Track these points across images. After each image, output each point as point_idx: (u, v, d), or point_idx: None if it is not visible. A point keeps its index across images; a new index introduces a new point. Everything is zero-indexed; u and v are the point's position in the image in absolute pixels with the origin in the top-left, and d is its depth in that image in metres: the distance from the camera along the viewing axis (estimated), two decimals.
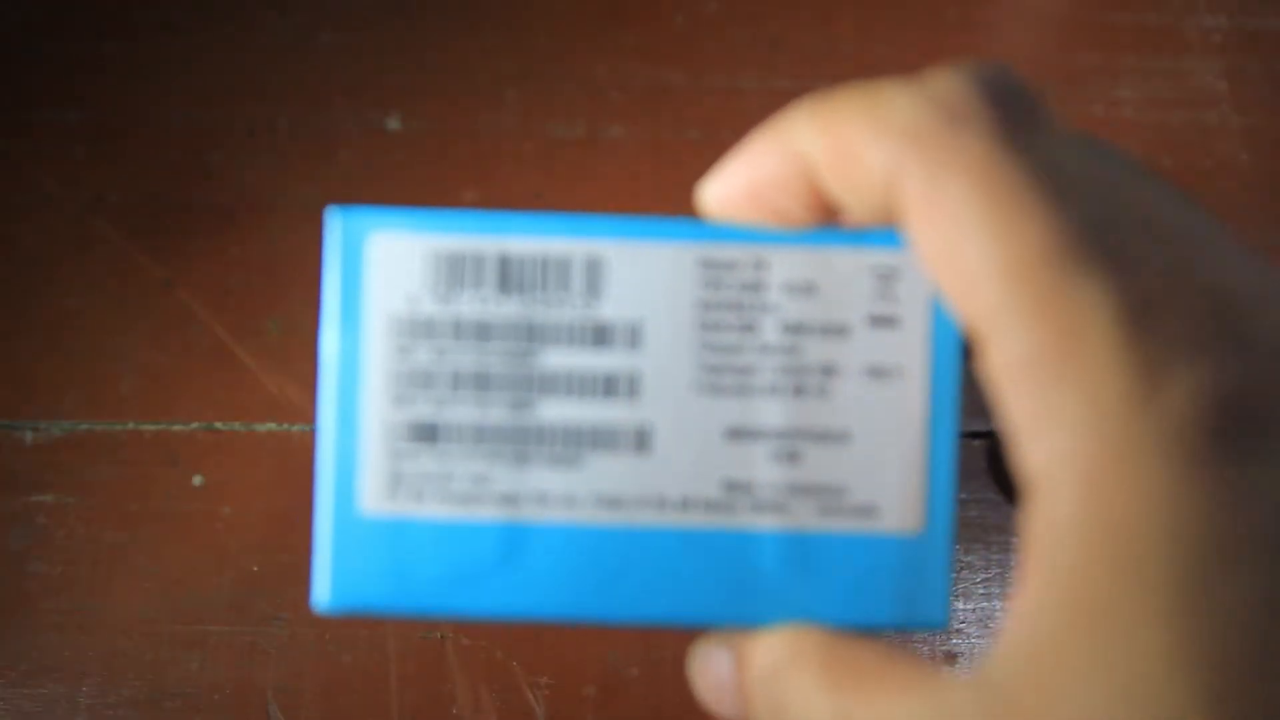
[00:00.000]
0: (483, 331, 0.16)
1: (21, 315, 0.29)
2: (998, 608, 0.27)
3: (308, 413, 0.28)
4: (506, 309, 0.16)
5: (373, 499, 0.16)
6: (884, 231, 0.16)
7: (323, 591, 0.16)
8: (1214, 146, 0.31)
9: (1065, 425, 0.12)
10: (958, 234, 0.13)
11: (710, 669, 0.16)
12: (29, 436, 0.28)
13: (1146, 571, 0.12)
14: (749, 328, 0.16)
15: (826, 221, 0.16)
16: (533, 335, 0.16)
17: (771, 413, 0.16)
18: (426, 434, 0.16)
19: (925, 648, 0.27)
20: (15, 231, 0.29)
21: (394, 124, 0.30)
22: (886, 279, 0.16)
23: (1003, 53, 0.32)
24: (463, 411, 0.16)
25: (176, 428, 0.28)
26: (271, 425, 0.28)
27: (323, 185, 0.29)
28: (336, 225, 0.16)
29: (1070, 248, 0.13)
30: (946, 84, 0.14)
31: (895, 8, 0.31)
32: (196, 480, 0.28)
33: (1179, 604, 0.12)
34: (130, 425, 0.28)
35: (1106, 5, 0.32)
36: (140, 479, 0.28)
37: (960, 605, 0.27)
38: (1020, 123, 0.14)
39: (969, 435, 0.23)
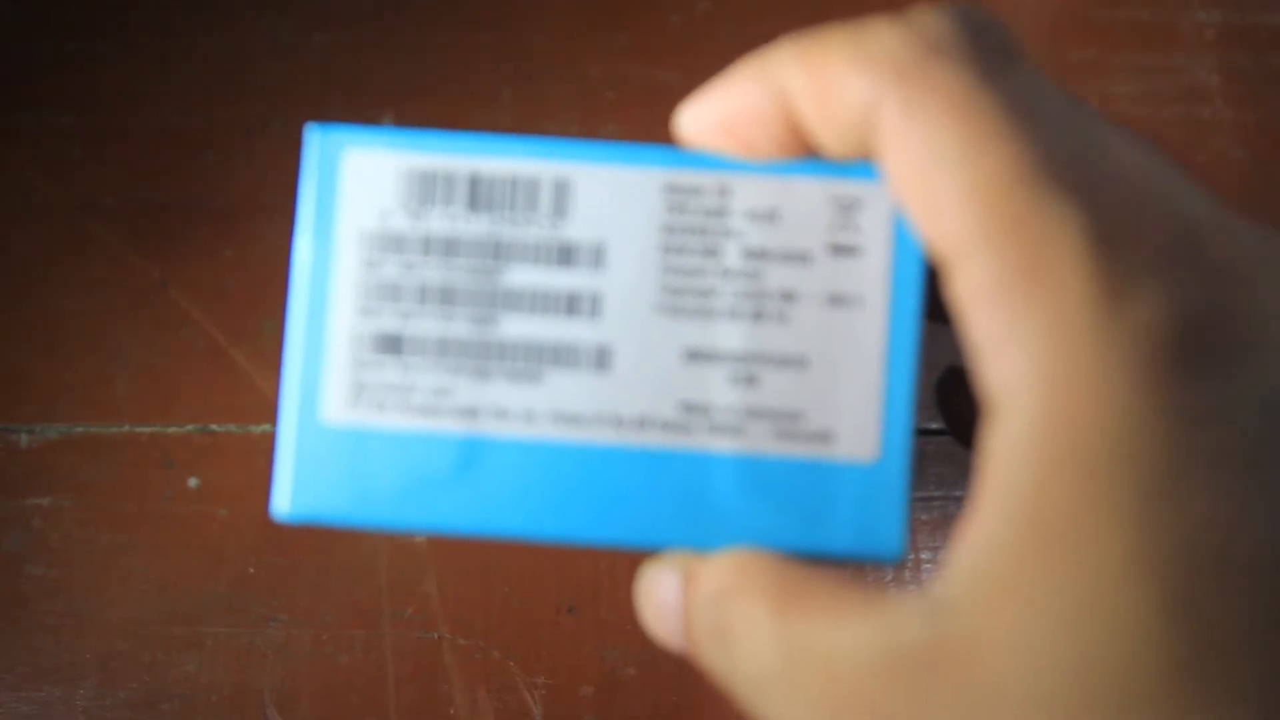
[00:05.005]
0: (451, 248, 0.16)
1: (16, 318, 0.29)
2: None
3: None
4: (475, 226, 0.16)
5: (335, 408, 0.16)
6: (850, 164, 0.16)
7: (282, 500, 0.16)
8: (1207, 142, 0.31)
9: (1030, 341, 0.13)
10: (931, 160, 0.13)
11: (657, 591, 0.16)
12: (24, 439, 0.28)
13: (1105, 484, 0.12)
14: (711, 252, 0.16)
15: (795, 159, 0.16)
16: (499, 253, 0.16)
17: (731, 336, 0.16)
18: (391, 345, 0.16)
19: None
20: (9, 234, 0.29)
21: (389, 123, 0.30)
22: (848, 209, 0.16)
23: None
24: (427, 325, 0.16)
25: (172, 430, 0.28)
26: (267, 427, 0.28)
27: None
28: (315, 141, 0.16)
29: (1041, 172, 0.13)
30: (927, 19, 0.14)
31: (888, 5, 0.31)
32: (192, 482, 0.28)
33: (1137, 516, 0.12)
34: (125, 428, 0.28)
35: (1100, 1, 0.32)
36: (136, 481, 0.28)
37: None
38: (997, 58, 0.14)
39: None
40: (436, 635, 0.26)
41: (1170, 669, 0.12)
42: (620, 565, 0.27)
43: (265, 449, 0.28)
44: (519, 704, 0.26)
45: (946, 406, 0.22)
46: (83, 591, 0.27)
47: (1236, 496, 0.12)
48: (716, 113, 0.16)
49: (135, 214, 0.30)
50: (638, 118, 0.30)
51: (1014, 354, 0.13)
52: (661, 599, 0.16)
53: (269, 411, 0.28)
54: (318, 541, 0.27)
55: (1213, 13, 0.31)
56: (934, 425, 0.27)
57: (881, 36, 0.14)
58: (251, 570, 0.27)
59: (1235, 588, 0.12)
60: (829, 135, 0.15)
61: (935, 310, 0.16)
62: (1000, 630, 0.13)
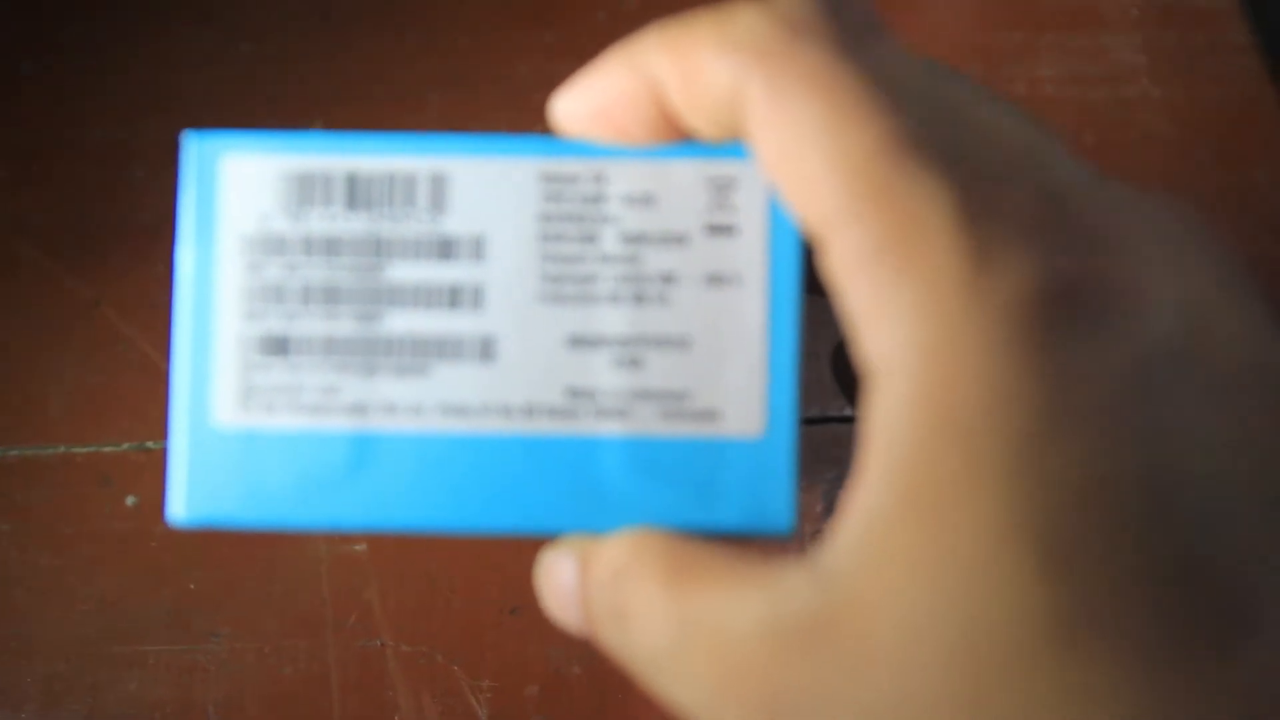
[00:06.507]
0: (332, 247, 0.16)
1: None
2: None
3: None
4: (355, 225, 0.16)
5: (226, 411, 0.16)
6: (723, 145, 0.16)
7: (178, 506, 0.16)
8: (1135, 119, 0.31)
9: (903, 311, 0.13)
10: (798, 138, 0.14)
11: (555, 576, 0.16)
12: None
13: (978, 448, 0.12)
14: (590, 238, 0.16)
15: (670, 143, 0.16)
16: (380, 250, 0.16)
17: (613, 320, 0.16)
18: (278, 347, 0.16)
19: None
20: None
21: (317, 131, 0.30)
22: (723, 189, 0.16)
23: (925, 32, 0.32)
24: (313, 324, 0.16)
25: (108, 448, 0.28)
26: None
27: None
28: (192, 148, 0.16)
29: (906, 144, 0.13)
30: (789, 1, 0.14)
31: None
32: (130, 500, 0.27)
33: (1008, 476, 0.12)
34: (61, 449, 0.28)
35: None
36: (73, 501, 0.27)
37: None
38: (858, 34, 0.14)
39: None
40: (380, 642, 0.26)
41: (1049, 624, 0.12)
42: None
43: None
44: (464, 708, 0.26)
45: (843, 379, 0.23)
46: (22, 615, 0.27)
47: (1105, 453, 0.12)
48: (589, 101, 0.16)
49: (65, 232, 0.29)
50: None
51: (887, 325, 0.13)
52: (560, 583, 0.16)
53: None
54: (258, 554, 0.27)
55: None
56: (848, 411, 0.27)
57: (744, 19, 0.14)
58: (192, 586, 0.27)
59: (1108, 540, 0.12)
60: (699, 119, 0.15)
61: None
62: (883, 595, 0.13)
